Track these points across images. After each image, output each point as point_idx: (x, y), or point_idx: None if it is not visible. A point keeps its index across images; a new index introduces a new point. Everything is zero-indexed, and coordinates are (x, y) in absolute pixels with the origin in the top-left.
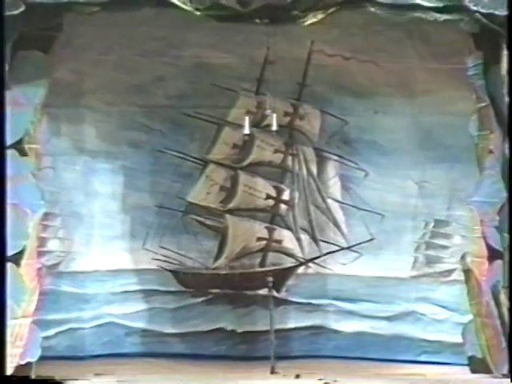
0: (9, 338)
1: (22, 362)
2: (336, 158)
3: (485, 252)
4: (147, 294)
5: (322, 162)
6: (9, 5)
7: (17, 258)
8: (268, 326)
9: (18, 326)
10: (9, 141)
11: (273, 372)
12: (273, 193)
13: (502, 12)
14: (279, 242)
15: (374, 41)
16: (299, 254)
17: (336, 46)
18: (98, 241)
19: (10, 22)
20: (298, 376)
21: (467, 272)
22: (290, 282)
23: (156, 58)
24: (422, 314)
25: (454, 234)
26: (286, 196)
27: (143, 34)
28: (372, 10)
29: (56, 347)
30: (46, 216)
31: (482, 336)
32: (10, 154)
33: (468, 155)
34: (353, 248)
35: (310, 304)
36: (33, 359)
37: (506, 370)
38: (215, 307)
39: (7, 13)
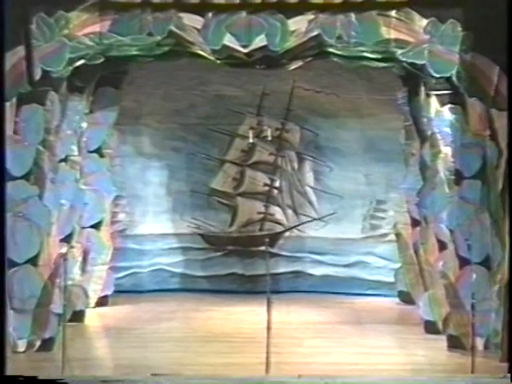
0: (92, 279)
1: (102, 295)
2: (311, 158)
3: (409, 221)
4: (184, 249)
5: (301, 161)
6: (94, 57)
7: (98, 226)
8: (265, 271)
9: (99, 271)
10: (92, 147)
11: (269, 302)
12: (268, 182)
13: (421, 61)
14: (272, 215)
15: (336, 80)
16: (286, 223)
17: (310, 83)
18: (151, 214)
19: (94, 69)
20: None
21: (398, 235)
22: (280, 241)
23: (190, 92)
24: (368, 263)
25: (389, 210)
26: (277, 184)
27: (181, 76)
28: (335, 59)
29: (124, 285)
30: (117, 197)
31: (407, 277)
32: (93, 156)
33: (398, 157)
34: (322, 219)
35: (293, 256)
36: (109, 293)
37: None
38: (230, 258)
39: (91, 62)
